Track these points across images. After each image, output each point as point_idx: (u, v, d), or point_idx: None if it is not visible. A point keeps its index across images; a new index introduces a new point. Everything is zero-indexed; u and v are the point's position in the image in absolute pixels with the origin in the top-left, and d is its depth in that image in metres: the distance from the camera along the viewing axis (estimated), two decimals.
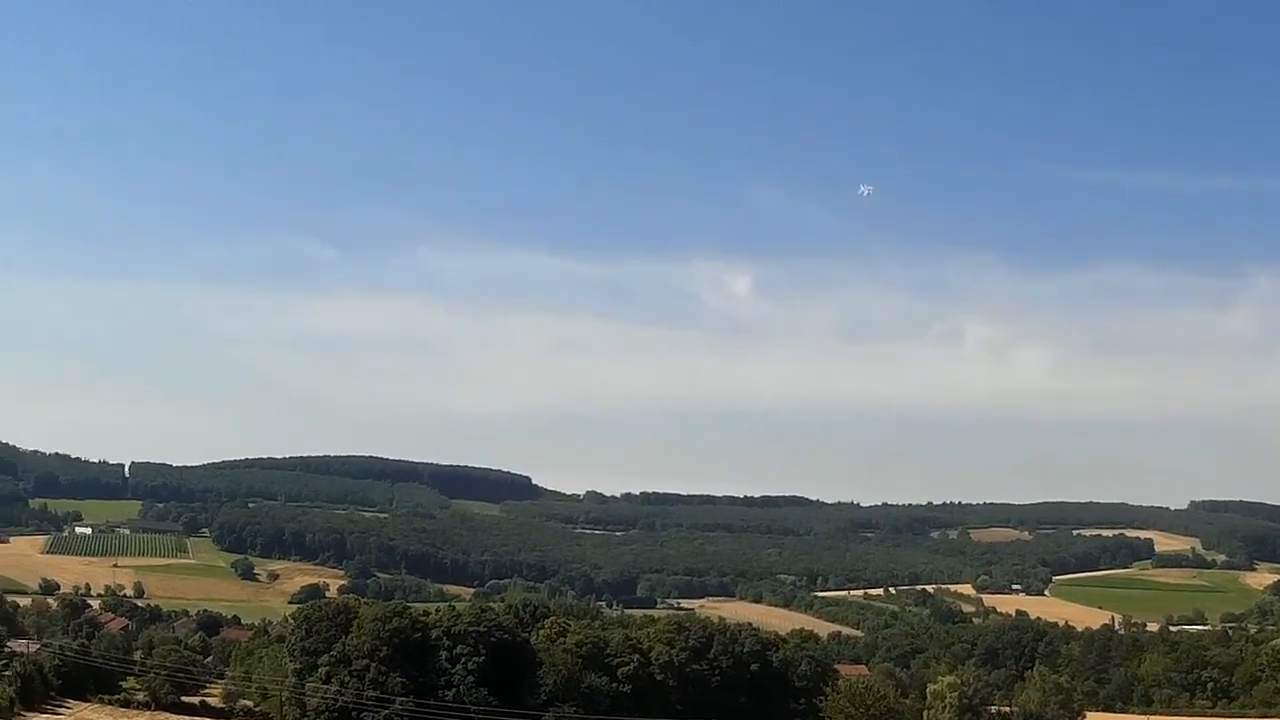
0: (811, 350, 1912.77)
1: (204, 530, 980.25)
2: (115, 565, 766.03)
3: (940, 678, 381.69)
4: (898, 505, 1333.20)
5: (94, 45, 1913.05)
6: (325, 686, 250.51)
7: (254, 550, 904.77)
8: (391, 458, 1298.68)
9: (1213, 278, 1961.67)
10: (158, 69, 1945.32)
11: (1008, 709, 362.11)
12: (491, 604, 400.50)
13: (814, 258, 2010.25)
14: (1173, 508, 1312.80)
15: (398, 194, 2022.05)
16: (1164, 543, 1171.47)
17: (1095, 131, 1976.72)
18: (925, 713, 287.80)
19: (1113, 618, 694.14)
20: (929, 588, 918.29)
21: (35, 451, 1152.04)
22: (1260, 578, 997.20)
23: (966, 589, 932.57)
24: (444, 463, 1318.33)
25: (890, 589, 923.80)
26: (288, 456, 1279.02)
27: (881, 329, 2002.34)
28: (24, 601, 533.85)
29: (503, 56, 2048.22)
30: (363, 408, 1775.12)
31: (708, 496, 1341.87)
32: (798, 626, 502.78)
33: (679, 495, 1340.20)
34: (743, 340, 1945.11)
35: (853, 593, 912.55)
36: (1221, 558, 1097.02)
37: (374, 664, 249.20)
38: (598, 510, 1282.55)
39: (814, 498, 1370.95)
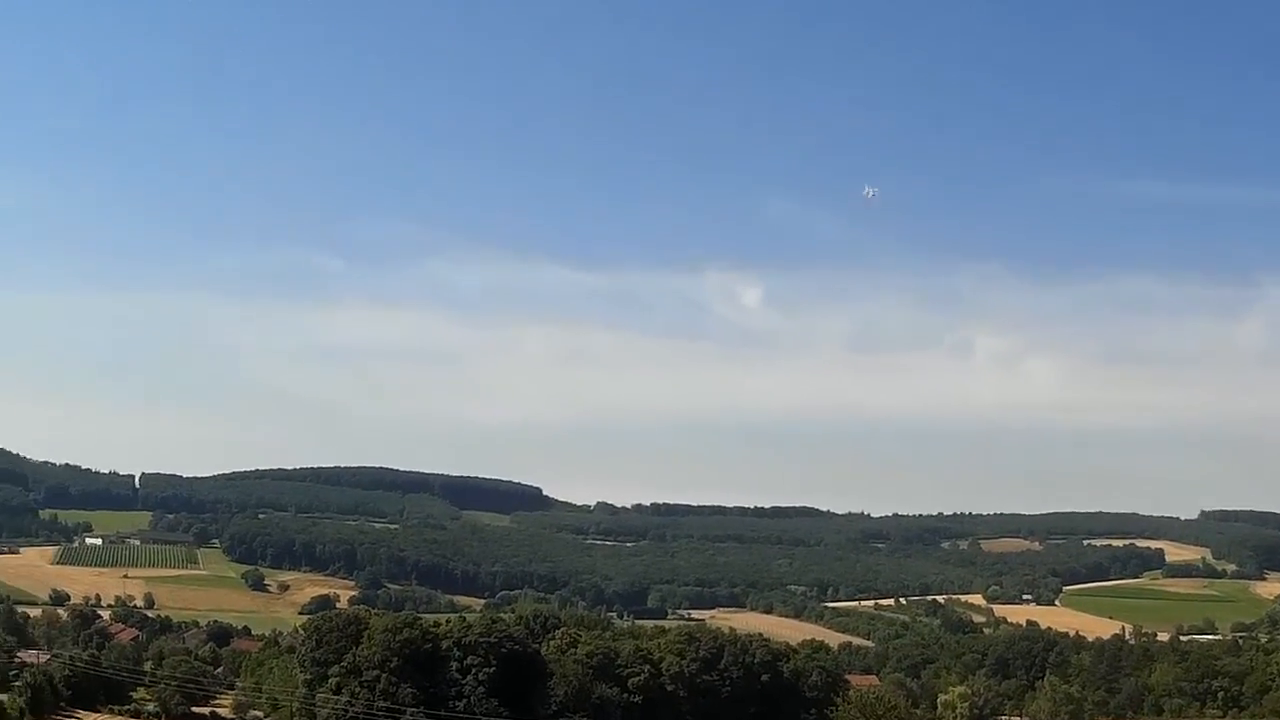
0: (822, 361, 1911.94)
1: (214, 541, 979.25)
2: (125, 576, 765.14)
3: (951, 688, 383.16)
4: (908, 516, 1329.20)
5: (102, 54, 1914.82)
6: (336, 697, 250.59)
7: (264, 561, 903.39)
8: (402, 469, 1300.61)
9: (1224, 288, 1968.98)
10: (168, 79, 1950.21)
11: (1018, 719, 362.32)
12: (502, 615, 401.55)
13: (825, 268, 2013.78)
14: (1183, 517, 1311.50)
15: (408, 204, 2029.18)
16: (1174, 552, 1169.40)
17: (1106, 142, 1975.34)
18: None
19: (1123, 627, 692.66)
20: (939, 598, 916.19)
21: (45, 462, 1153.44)
22: (1270, 587, 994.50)
23: (977, 599, 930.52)
24: (454, 474, 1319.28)
25: (901, 599, 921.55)
26: (298, 467, 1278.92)
27: (892, 340, 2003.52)
28: (34, 612, 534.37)
29: (513, 66, 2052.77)
30: (373, 419, 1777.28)
31: (718, 507, 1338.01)
32: (808, 637, 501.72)
33: (689, 506, 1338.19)
34: (753, 351, 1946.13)
35: (863, 603, 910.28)
36: (1232, 567, 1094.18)
37: (384, 675, 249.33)
38: (608, 521, 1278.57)
39: (824, 508, 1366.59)
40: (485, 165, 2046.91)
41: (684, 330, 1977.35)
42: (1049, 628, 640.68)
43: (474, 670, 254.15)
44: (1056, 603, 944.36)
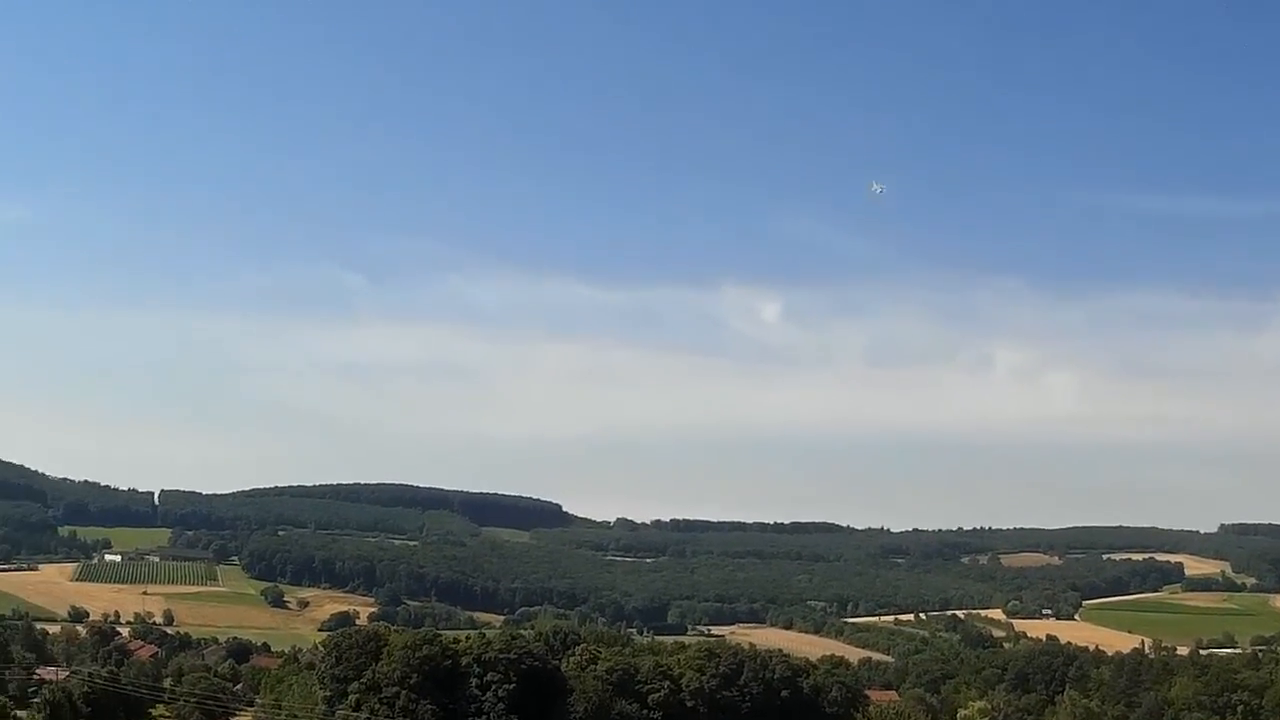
0: (840, 376, 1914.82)
1: (234, 558, 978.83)
2: (145, 592, 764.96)
3: (971, 703, 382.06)
4: (928, 531, 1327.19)
5: (127, 71, 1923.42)
6: (355, 714, 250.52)
7: (284, 578, 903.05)
8: (421, 485, 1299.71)
9: (1242, 301, 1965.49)
10: (192, 96, 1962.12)
11: None
12: (522, 631, 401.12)
13: (842, 283, 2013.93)
14: (1202, 531, 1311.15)
15: (427, 221, 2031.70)
16: (1194, 566, 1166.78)
17: (1122, 156, 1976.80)
18: None
19: (1143, 641, 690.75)
20: (959, 613, 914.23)
21: (65, 479, 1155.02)
22: None
23: (997, 614, 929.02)
24: (474, 490, 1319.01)
25: (920, 614, 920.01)
26: (317, 484, 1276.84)
27: (910, 354, 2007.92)
28: (53, 629, 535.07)
29: (532, 83, 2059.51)
30: (393, 435, 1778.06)
31: (738, 523, 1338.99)
32: (828, 652, 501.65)
33: (709, 522, 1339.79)
34: (772, 366, 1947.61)
35: (883, 618, 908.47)
36: (1252, 581, 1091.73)
37: (404, 691, 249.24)
38: (628, 537, 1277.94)
39: (844, 524, 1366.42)
40: (504, 182, 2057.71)
41: (702, 346, 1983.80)
42: (1069, 642, 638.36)
43: (494, 687, 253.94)
44: (1076, 617, 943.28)
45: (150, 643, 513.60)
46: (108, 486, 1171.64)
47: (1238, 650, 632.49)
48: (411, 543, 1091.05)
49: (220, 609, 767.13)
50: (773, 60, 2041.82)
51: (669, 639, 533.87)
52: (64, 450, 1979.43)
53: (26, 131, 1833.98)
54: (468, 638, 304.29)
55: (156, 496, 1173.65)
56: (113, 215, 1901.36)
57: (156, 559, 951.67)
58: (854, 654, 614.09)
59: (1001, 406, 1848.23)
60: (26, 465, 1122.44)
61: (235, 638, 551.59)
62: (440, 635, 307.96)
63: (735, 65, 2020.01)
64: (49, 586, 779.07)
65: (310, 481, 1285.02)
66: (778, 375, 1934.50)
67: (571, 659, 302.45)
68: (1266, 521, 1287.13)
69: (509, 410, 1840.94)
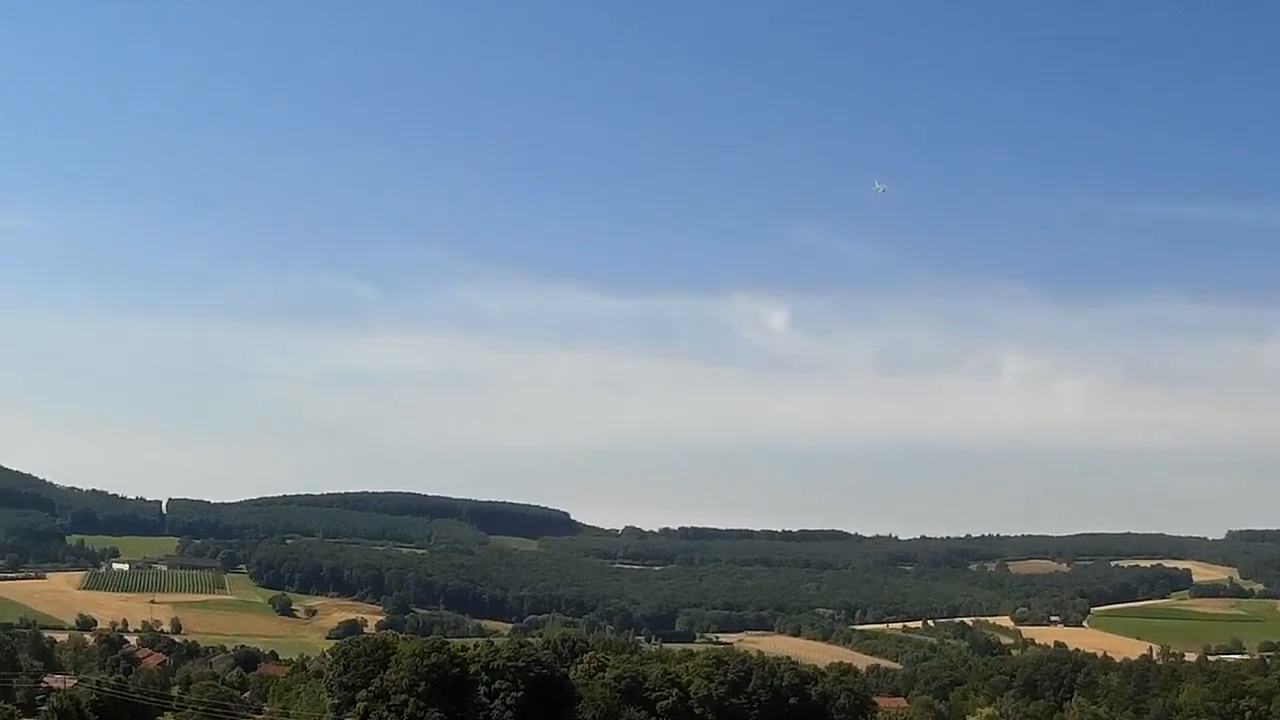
0: (848, 384, 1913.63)
1: (241, 566, 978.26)
2: (153, 601, 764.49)
3: (979, 709, 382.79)
4: (936, 538, 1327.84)
5: (137, 82, 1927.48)
6: None
7: (292, 586, 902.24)
8: (430, 494, 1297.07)
9: (1249, 308, 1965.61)
10: (202, 106, 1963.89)
11: None
12: (530, 639, 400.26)
13: (850, 291, 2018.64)
14: (1210, 538, 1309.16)
15: (437, 231, 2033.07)
16: (1202, 573, 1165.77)
17: (1128, 162, 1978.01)
18: None
19: (1151, 648, 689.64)
20: (967, 620, 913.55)
21: (72, 488, 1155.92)
22: None
23: (1005, 621, 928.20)
24: (482, 498, 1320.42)
25: (929, 621, 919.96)
26: (325, 493, 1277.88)
27: (918, 362, 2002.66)
28: (61, 637, 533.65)
29: (542, 94, 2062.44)
30: (401, 444, 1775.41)
31: (746, 531, 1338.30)
32: (836, 660, 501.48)
33: (717, 530, 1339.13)
34: (780, 374, 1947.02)
35: (891, 626, 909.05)
36: (1259, 587, 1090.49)
37: (412, 699, 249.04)
38: (636, 545, 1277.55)
39: (852, 531, 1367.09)
40: (513, 191, 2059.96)
41: (710, 354, 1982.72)
42: (1077, 649, 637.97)
43: (502, 694, 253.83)
44: (1084, 624, 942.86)
45: (158, 651, 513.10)
46: (115, 495, 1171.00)
47: (1246, 656, 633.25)
48: (419, 551, 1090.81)
49: (228, 617, 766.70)
50: (780, 68, 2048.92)
51: (677, 647, 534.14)
52: (71, 459, 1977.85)
53: (36, 139, 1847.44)
54: (476, 645, 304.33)
55: (164, 505, 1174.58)
56: (121, 223, 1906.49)
57: (164, 567, 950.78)
58: (862, 661, 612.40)
59: (1009, 414, 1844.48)
60: (34, 474, 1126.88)
61: (243, 646, 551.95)
62: (448, 643, 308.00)
63: (744, 74, 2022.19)
64: (56, 595, 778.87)
65: (318, 490, 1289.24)
66: (786, 383, 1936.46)
67: (580, 667, 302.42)
68: (1274, 528, 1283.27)
69: (517, 418, 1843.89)
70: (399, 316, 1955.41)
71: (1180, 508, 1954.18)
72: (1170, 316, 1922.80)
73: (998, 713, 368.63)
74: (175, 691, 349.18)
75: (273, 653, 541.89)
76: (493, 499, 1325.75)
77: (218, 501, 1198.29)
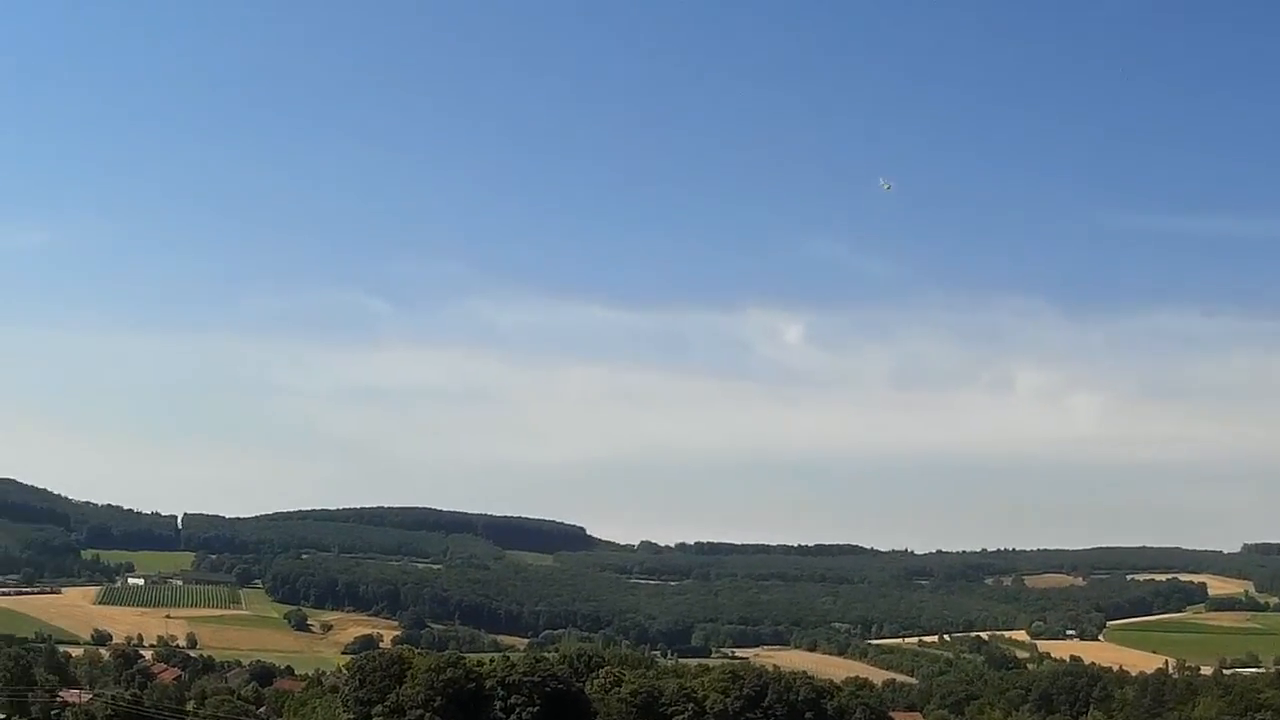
0: (864, 398, 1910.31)
1: (257, 581, 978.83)
2: (168, 616, 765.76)
3: None
4: (951, 553, 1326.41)
5: (145, 94, 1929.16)
6: None
7: (307, 601, 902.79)
8: (445, 509, 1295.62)
9: (1264, 321, 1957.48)
10: (217, 122, 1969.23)
11: None
12: (546, 654, 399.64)
13: (866, 306, 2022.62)
14: (1226, 551, 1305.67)
15: (449, 245, 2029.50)
16: (1217, 586, 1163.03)
17: (1144, 176, 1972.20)
18: None
19: (1166, 662, 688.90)
20: (983, 634, 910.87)
21: (87, 503, 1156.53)
22: None
23: (1021, 635, 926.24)
24: (498, 514, 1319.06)
25: (945, 636, 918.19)
26: (341, 508, 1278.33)
27: (933, 376, 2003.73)
28: (76, 652, 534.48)
29: (554, 107, 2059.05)
30: (416, 459, 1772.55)
31: (762, 546, 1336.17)
32: (852, 674, 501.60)
33: (733, 545, 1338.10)
34: (795, 389, 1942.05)
35: (907, 640, 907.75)
36: (1275, 600, 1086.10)
37: (428, 714, 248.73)
38: (652, 560, 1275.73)
39: (868, 546, 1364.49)
40: (527, 205, 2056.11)
41: (726, 369, 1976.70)
42: (1093, 663, 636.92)
43: (518, 709, 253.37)
44: (1100, 638, 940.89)
45: (173, 666, 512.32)
46: (131, 510, 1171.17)
47: (1261, 670, 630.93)
48: (435, 566, 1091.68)
49: (244, 632, 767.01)
50: (794, 81, 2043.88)
51: (693, 661, 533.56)
52: (87, 473, 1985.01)
53: (49, 155, 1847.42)
54: (491, 660, 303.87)
55: (179, 520, 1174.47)
56: (135, 239, 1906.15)
57: (179, 582, 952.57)
58: (878, 675, 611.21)
59: (1024, 427, 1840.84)
60: (49, 489, 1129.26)
61: (259, 661, 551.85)
62: (464, 658, 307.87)
63: (760, 88, 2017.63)
64: (72, 610, 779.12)
65: (334, 505, 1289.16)
66: (802, 398, 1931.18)
67: (595, 681, 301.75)
68: None
69: (532, 433, 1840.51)
70: (412, 331, 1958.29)
71: (1195, 521, 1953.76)
72: (1184, 330, 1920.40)
73: None
74: (191, 706, 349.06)
75: (288, 667, 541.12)
76: (508, 514, 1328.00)
77: (233, 516, 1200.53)
